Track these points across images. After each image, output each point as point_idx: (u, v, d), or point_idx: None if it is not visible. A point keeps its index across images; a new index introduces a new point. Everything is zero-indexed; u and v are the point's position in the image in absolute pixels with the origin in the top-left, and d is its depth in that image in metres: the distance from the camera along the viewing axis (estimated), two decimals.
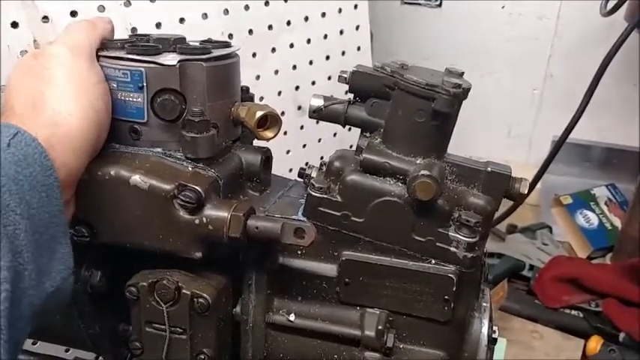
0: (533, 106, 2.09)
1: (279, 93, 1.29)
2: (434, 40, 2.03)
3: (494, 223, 1.58)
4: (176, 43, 0.60)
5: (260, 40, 1.21)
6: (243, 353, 0.63)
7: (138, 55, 0.56)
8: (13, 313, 0.41)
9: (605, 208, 1.90)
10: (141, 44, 0.58)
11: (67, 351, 0.90)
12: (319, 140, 1.41)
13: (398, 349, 0.60)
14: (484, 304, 0.62)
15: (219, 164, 0.60)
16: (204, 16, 1.09)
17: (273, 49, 1.25)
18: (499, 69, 2.05)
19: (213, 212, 0.54)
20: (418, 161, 0.56)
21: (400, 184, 0.56)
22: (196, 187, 0.54)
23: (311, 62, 1.33)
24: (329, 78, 1.37)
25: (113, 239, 0.57)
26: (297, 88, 1.32)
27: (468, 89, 0.56)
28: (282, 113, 1.27)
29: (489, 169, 0.58)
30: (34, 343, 0.86)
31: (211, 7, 1.10)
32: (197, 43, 0.62)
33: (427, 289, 0.57)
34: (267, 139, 0.64)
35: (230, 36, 1.14)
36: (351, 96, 0.63)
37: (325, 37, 1.34)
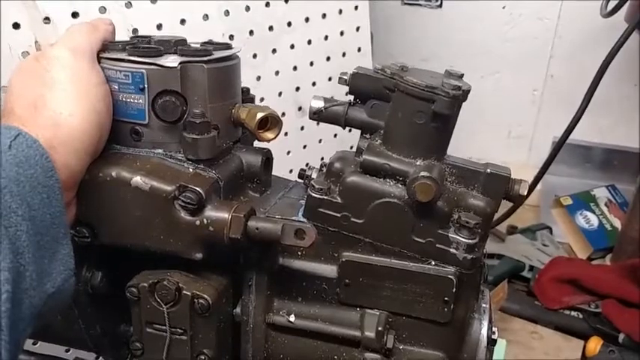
0: (534, 107, 2.09)
1: (280, 94, 1.29)
2: (434, 41, 2.04)
3: (494, 224, 1.59)
4: (177, 45, 0.60)
5: (260, 41, 1.21)
6: (244, 354, 0.63)
7: (139, 56, 0.56)
8: (14, 314, 0.41)
9: (605, 209, 1.90)
10: (142, 46, 0.58)
11: (67, 351, 0.90)
12: (319, 141, 1.41)
13: (398, 350, 0.60)
14: (484, 305, 0.62)
15: (219, 165, 0.60)
16: (205, 17, 1.09)
17: (274, 50, 1.25)
18: (499, 69, 2.05)
19: (214, 213, 0.55)
20: (418, 163, 0.56)
21: (400, 186, 0.56)
22: (197, 189, 0.54)
23: (311, 63, 1.34)
24: (329, 79, 1.37)
25: (114, 240, 0.57)
26: (297, 89, 1.32)
27: (468, 91, 0.56)
28: (283, 114, 1.27)
29: (489, 170, 0.58)
30: (34, 343, 0.87)
31: (212, 8, 1.10)
32: (198, 45, 0.62)
33: (427, 290, 0.57)
34: (268, 141, 0.64)
35: (231, 37, 1.15)
36: (351, 98, 0.63)
37: (326, 38, 1.34)
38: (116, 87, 0.57)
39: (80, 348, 0.71)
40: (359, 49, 1.43)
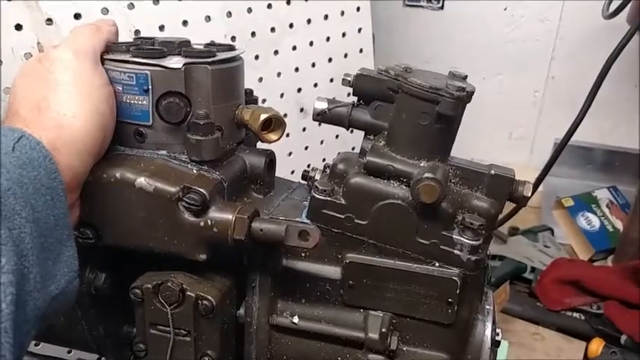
0: (535, 109, 2.09)
1: (282, 95, 1.29)
2: (436, 42, 2.04)
3: (496, 225, 1.58)
4: (181, 46, 0.60)
5: (263, 42, 1.21)
6: (247, 355, 0.63)
7: (143, 58, 0.56)
8: (18, 316, 0.41)
9: (606, 210, 1.90)
10: (146, 47, 0.58)
11: (69, 352, 0.90)
12: (321, 142, 1.41)
13: (401, 352, 0.60)
14: (487, 306, 0.62)
15: (223, 167, 0.60)
16: (207, 18, 1.09)
17: (276, 52, 1.25)
18: (501, 71, 2.05)
19: (218, 214, 0.55)
20: (422, 164, 0.56)
21: (404, 187, 0.56)
22: (201, 190, 0.54)
23: (313, 64, 1.34)
24: (331, 80, 1.37)
25: (118, 241, 0.57)
26: (299, 90, 1.32)
27: (472, 92, 0.56)
28: (285, 115, 1.27)
29: (493, 172, 0.58)
30: (36, 345, 0.86)
31: (214, 9, 1.10)
32: (201, 46, 0.62)
33: (431, 291, 0.57)
34: (271, 142, 0.64)
35: (233, 38, 1.15)
36: (354, 99, 0.63)
37: (328, 39, 1.34)
38: (120, 88, 0.57)
39: (83, 349, 0.71)
40: (361, 51, 1.43)
